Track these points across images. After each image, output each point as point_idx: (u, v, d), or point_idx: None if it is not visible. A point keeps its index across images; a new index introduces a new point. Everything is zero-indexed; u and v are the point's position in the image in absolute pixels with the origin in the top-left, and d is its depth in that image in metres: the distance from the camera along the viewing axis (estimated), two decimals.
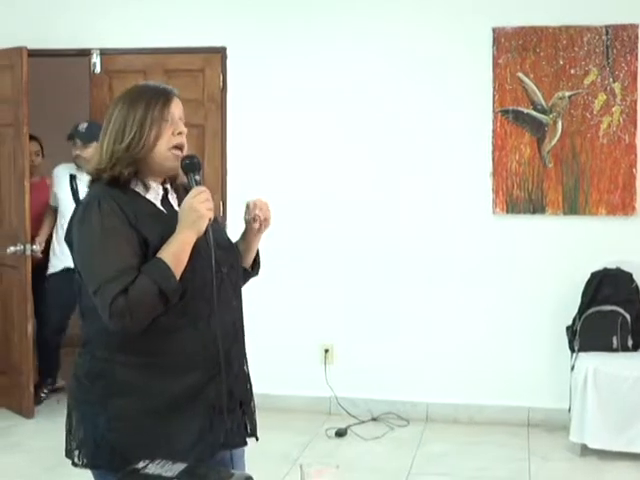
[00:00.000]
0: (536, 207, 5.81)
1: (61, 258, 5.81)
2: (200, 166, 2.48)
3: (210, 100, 6.08)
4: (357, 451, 5.37)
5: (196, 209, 2.35)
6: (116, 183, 2.42)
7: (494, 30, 5.77)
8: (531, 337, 5.84)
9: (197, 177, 2.45)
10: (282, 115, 6.04)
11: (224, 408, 2.45)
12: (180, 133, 2.46)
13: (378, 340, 5.99)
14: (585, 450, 5.21)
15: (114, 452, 2.37)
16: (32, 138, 6.28)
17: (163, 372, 2.40)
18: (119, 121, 2.41)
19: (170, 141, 2.44)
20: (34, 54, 5.93)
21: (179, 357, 2.41)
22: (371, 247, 5.99)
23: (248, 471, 2.54)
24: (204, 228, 2.37)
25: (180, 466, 2.38)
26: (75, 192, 5.88)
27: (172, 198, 2.55)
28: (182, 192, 2.54)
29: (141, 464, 2.37)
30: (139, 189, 2.47)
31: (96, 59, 6.17)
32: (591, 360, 5.30)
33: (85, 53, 6.19)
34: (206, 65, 6.11)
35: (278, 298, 6.03)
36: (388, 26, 5.91)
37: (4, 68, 5.97)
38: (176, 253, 2.33)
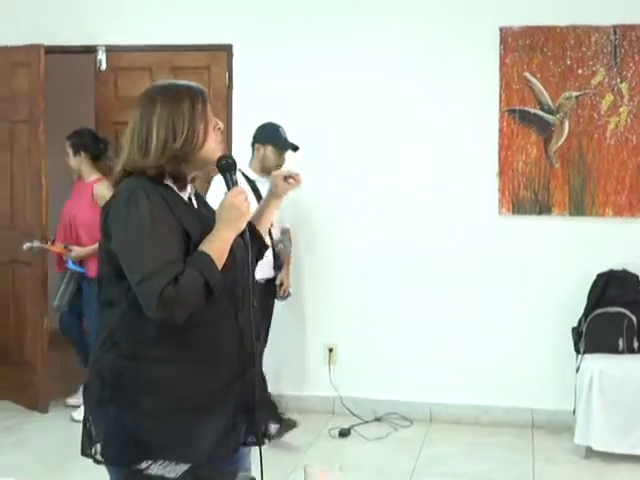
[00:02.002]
0: (542, 207, 5.78)
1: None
2: (236, 166, 2.53)
3: (216, 98, 5.95)
4: (360, 451, 5.36)
5: (238, 207, 2.41)
6: (156, 178, 2.44)
7: (501, 29, 5.75)
8: (536, 338, 5.82)
9: (235, 177, 2.51)
10: (288, 113, 5.93)
11: (248, 406, 2.49)
12: (219, 128, 2.53)
13: (382, 340, 5.97)
14: (590, 452, 5.19)
15: (143, 450, 2.37)
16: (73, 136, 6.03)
17: (192, 368, 2.41)
18: (166, 119, 2.42)
19: (216, 137, 2.51)
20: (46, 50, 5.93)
21: (209, 353, 2.43)
22: (375, 247, 5.97)
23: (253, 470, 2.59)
24: (244, 227, 2.44)
25: (183, 467, 2.39)
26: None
27: (193, 199, 2.58)
28: (198, 197, 2.62)
29: (144, 464, 2.37)
30: (173, 185, 2.49)
31: (102, 56, 6.16)
32: (596, 362, 5.27)
33: (91, 50, 6.18)
34: (212, 62, 6.10)
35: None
36: (394, 25, 5.90)
37: (20, 65, 5.99)
38: (218, 248, 2.37)
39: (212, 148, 2.48)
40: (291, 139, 5.47)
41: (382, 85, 5.93)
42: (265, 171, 5.29)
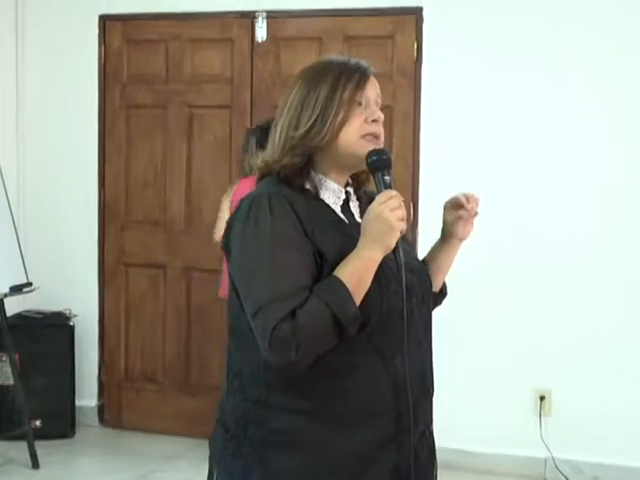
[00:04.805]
0: None
1: None
2: (391, 164, 2.22)
3: (401, 74, 5.53)
4: None
5: (386, 219, 2.11)
6: (289, 179, 2.23)
7: None
8: None
9: (387, 177, 2.20)
10: (491, 94, 5.34)
11: (411, 474, 2.20)
12: (375, 120, 2.24)
13: (610, 386, 5.20)
14: None
15: None
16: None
17: (333, 423, 2.16)
18: (296, 102, 2.24)
19: (362, 129, 2.22)
20: (190, 17, 5.75)
21: (354, 405, 2.16)
22: (601, 267, 5.19)
23: None
24: (394, 243, 2.13)
25: None
26: None
27: (354, 206, 2.32)
28: (366, 202, 2.30)
29: None
30: (320, 189, 2.26)
31: (262, 24, 5.68)
32: None
33: (249, 16, 5.72)
34: (397, 30, 5.58)
35: (478, 329, 5.38)
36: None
37: (211, 40, 5.76)
38: (358, 273, 2.10)
39: (351, 142, 2.19)
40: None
41: (610, 70, 5.13)
42: None
